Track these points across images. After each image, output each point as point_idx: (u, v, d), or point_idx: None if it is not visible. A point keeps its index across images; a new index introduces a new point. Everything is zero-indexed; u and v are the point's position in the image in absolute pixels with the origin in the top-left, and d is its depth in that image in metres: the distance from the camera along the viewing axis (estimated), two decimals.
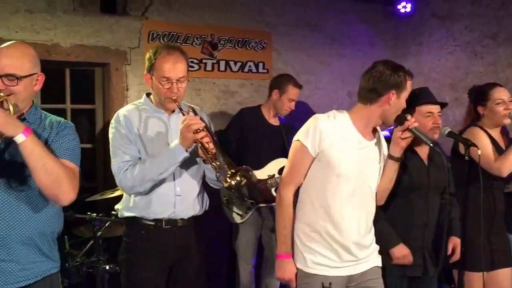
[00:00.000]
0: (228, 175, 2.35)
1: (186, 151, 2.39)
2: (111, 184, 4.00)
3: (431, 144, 2.37)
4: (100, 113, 4.28)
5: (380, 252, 2.52)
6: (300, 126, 2.42)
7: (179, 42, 4.39)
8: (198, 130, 2.34)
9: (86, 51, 4.03)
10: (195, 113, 2.54)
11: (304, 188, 2.41)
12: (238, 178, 2.36)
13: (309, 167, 2.36)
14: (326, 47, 5.19)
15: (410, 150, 2.68)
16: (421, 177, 2.79)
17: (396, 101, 2.35)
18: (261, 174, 3.84)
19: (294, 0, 5.01)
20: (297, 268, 2.37)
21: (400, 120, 2.38)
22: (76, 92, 4.26)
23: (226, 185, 2.37)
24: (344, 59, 5.26)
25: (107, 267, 3.27)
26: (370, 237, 2.47)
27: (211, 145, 2.34)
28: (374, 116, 2.39)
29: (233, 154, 3.74)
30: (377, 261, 2.49)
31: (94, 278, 3.28)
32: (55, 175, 1.87)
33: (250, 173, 2.39)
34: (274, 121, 4.02)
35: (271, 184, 3.83)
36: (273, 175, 3.83)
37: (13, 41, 2.08)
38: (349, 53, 5.29)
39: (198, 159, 2.57)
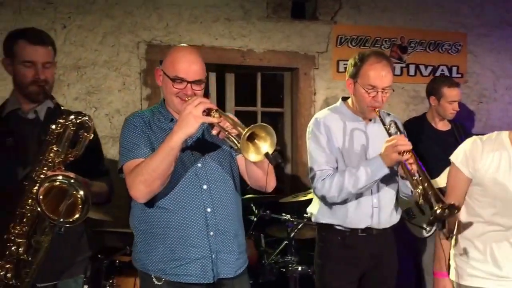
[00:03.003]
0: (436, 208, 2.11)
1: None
2: (299, 185, 4.09)
3: None
4: (288, 116, 4.36)
5: None
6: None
7: (367, 46, 4.29)
8: (405, 152, 2.22)
9: (276, 56, 4.14)
10: (398, 127, 2.44)
11: (465, 206, 2.22)
12: (444, 211, 2.10)
13: (466, 188, 2.20)
14: None
15: None
16: None
17: None
18: (440, 182, 3.54)
19: None
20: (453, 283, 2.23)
21: None
22: (266, 96, 4.41)
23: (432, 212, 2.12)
24: None
25: (299, 268, 3.31)
26: None
27: (414, 167, 2.20)
28: None
29: None
30: None
31: (286, 278, 3.34)
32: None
33: (456, 211, 2.14)
34: (443, 126, 3.70)
35: None
36: None
37: (185, 45, 2.14)
38: None
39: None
